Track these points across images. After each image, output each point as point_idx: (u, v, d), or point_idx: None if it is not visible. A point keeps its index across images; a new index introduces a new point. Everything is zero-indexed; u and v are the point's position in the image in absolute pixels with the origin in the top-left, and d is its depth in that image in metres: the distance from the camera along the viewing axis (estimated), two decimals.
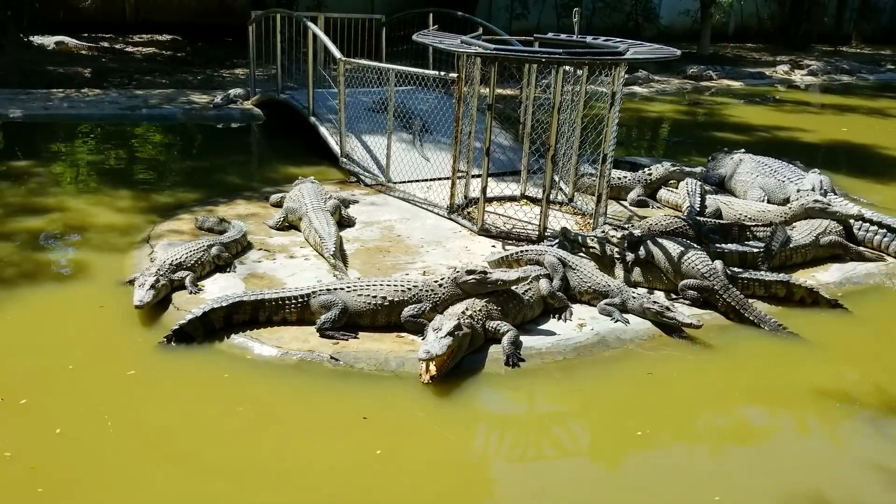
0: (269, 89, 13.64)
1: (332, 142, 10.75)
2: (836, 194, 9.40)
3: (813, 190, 9.05)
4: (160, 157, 11.61)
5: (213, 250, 6.92)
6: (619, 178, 9.82)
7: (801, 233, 7.94)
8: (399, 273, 7.08)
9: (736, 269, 7.09)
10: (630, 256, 7.07)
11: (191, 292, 6.43)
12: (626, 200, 9.75)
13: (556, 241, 7.40)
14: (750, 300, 6.70)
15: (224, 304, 5.88)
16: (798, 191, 9.10)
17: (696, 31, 27.25)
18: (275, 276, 6.94)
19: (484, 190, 8.08)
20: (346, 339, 5.84)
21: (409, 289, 6.11)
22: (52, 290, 6.70)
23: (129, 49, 20.06)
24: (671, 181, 9.85)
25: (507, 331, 5.86)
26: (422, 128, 10.86)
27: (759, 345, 6.29)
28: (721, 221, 8.42)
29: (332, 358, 5.61)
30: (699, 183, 9.40)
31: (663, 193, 9.80)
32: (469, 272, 6.14)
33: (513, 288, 6.24)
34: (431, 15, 13.53)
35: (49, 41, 18.80)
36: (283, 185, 9.48)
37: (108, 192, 9.43)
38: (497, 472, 4.87)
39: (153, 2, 22.67)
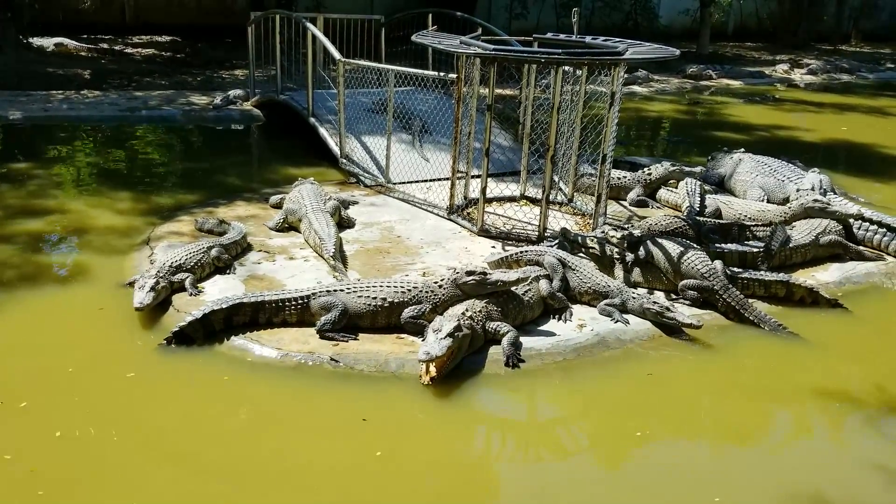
0: (269, 90, 13.64)
1: (332, 143, 10.75)
2: (835, 194, 9.40)
3: (812, 189, 9.05)
4: (160, 159, 11.61)
5: (213, 252, 6.92)
6: (619, 178, 9.82)
7: (801, 232, 7.94)
8: (399, 274, 7.09)
9: (736, 269, 7.09)
10: (630, 257, 7.07)
11: (191, 294, 6.43)
12: (625, 200, 9.75)
13: (556, 241, 7.39)
14: (750, 300, 6.70)
15: (224, 306, 5.88)
16: (798, 190, 9.10)
17: (696, 30, 27.24)
18: (275, 277, 6.94)
19: (483, 190, 8.08)
20: (346, 341, 5.84)
21: (409, 290, 6.11)
22: (52, 292, 6.70)
23: (129, 50, 20.07)
24: (671, 181, 9.85)
25: (507, 332, 5.86)
26: (421, 128, 10.86)
27: (759, 345, 6.29)
28: (721, 221, 8.42)
29: (332, 359, 5.61)
30: (699, 183, 9.40)
31: (663, 193, 9.80)
32: (469, 273, 6.14)
33: (513, 289, 6.24)
34: (431, 15, 13.53)
35: (48, 43, 18.81)
36: (283, 187, 9.48)
37: (107, 193, 9.43)
38: (497, 472, 4.87)
39: (152, 3, 22.68)
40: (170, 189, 9.85)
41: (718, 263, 6.84)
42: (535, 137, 8.82)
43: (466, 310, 5.85)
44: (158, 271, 6.38)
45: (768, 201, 9.45)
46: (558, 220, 8.39)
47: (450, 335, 5.38)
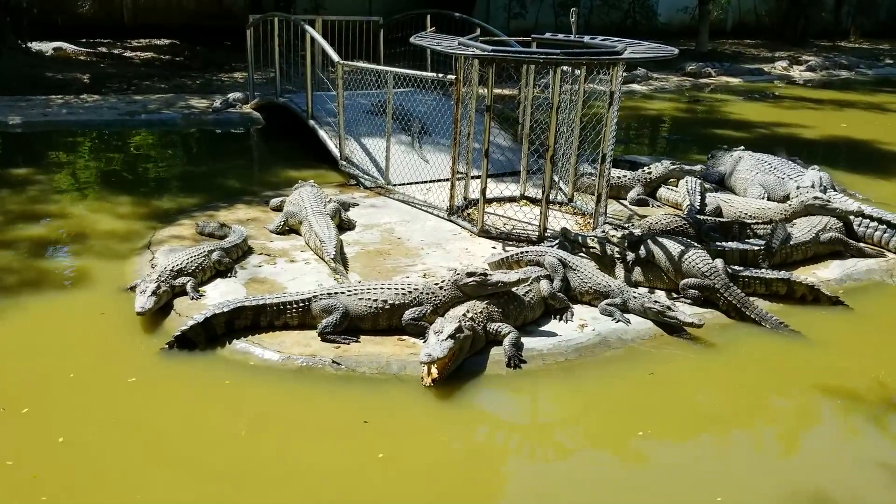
0: (268, 93, 13.65)
1: (332, 145, 10.75)
2: (835, 191, 9.40)
3: (812, 186, 9.05)
4: (160, 163, 11.61)
5: (214, 255, 6.93)
6: (619, 177, 9.82)
7: (802, 230, 7.93)
8: (399, 276, 7.09)
9: (737, 268, 7.09)
10: (630, 256, 7.07)
11: (192, 298, 6.43)
12: (626, 199, 9.75)
13: (557, 241, 7.40)
14: (751, 298, 6.69)
15: (226, 310, 5.88)
16: (798, 188, 9.10)
17: (695, 27, 27.25)
18: (276, 280, 6.94)
19: (483, 191, 8.08)
20: (348, 343, 5.85)
21: (410, 292, 6.11)
22: (53, 297, 6.71)
23: (128, 54, 20.08)
24: (671, 179, 9.85)
25: (509, 332, 5.86)
26: (420, 130, 10.86)
27: (760, 343, 6.29)
28: (721, 219, 8.42)
29: (333, 362, 5.61)
30: (699, 181, 9.40)
31: (663, 192, 9.80)
32: (469, 274, 6.15)
33: (513, 289, 6.24)
34: (429, 16, 13.53)
35: (47, 47, 18.82)
36: (283, 189, 9.49)
37: (108, 198, 9.44)
38: (499, 473, 4.87)
39: (151, 6, 22.69)
40: (170, 193, 9.85)
41: (719, 262, 6.84)
42: (535, 137, 8.83)
43: (467, 311, 5.85)
44: (160, 275, 6.38)
45: (768, 199, 9.44)
46: (558, 220, 8.39)
47: (451, 336, 5.38)
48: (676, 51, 7.97)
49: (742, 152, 10.51)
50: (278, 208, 8.64)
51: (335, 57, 10.28)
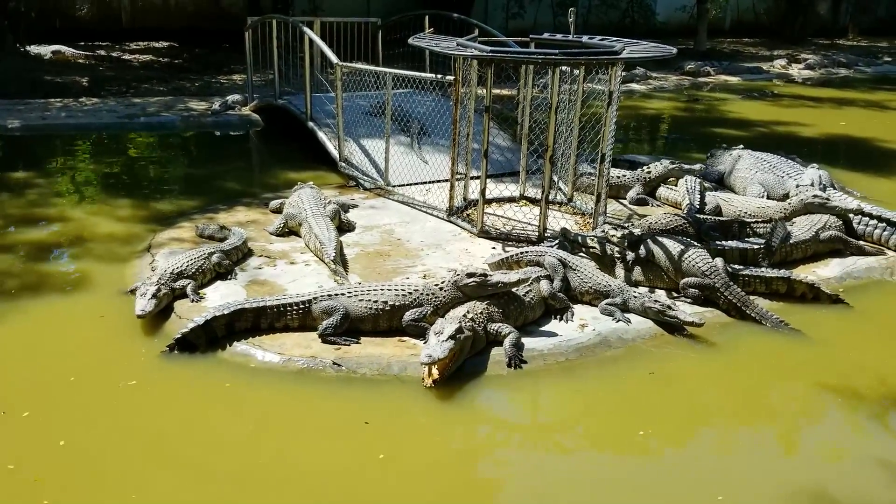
0: (267, 95, 13.65)
1: (331, 146, 10.76)
2: (834, 189, 9.40)
3: (812, 185, 9.05)
4: (159, 165, 11.62)
5: (214, 258, 6.93)
6: (619, 177, 9.82)
7: (801, 228, 7.93)
8: (399, 277, 7.09)
9: (736, 266, 7.09)
10: (630, 255, 7.07)
11: (192, 300, 6.44)
12: (625, 199, 9.75)
13: (556, 241, 7.40)
14: (751, 297, 6.69)
15: (226, 312, 5.88)
16: (797, 186, 9.10)
17: (693, 26, 27.25)
18: (276, 282, 6.94)
19: (483, 191, 8.08)
20: (349, 345, 5.85)
21: (410, 293, 6.11)
22: (53, 300, 6.70)
23: (126, 57, 20.09)
24: (670, 179, 9.86)
25: (509, 333, 5.86)
26: (420, 130, 10.86)
27: (760, 342, 6.29)
28: (721, 218, 8.41)
29: (334, 364, 5.62)
30: (698, 180, 9.40)
31: (663, 191, 9.80)
32: (469, 275, 6.15)
33: (514, 290, 6.24)
34: (427, 17, 13.54)
35: (46, 51, 18.84)
36: (283, 191, 9.49)
37: (108, 201, 9.44)
38: (500, 473, 4.87)
39: (149, 8, 22.69)
40: (170, 195, 9.86)
41: (719, 261, 6.84)
42: (534, 138, 8.83)
43: (468, 312, 5.85)
44: (160, 278, 6.39)
45: (768, 198, 9.44)
46: (558, 220, 8.39)
47: (451, 337, 5.38)
48: (675, 50, 7.97)
49: (741, 151, 10.51)
50: (278, 210, 8.64)
51: (334, 58, 10.29)
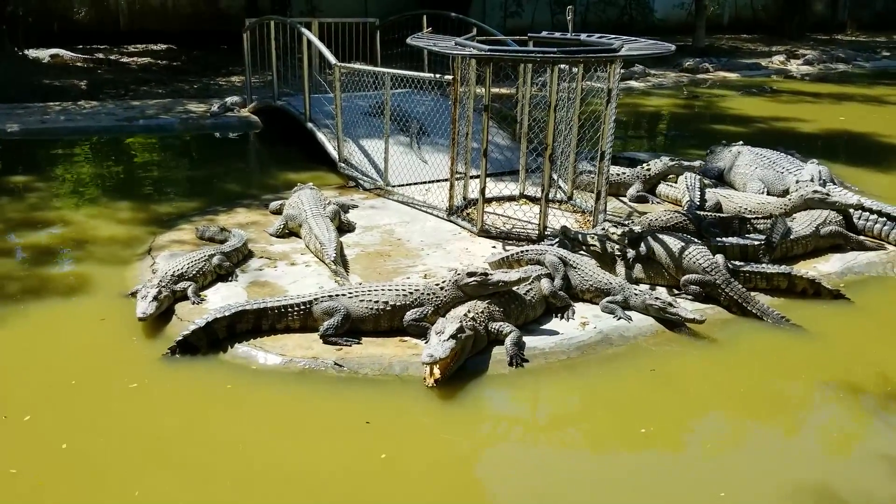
0: (266, 96, 13.66)
1: (330, 147, 10.76)
2: (834, 184, 9.40)
3: (812, 180, 9.05)
4: (159, 168, 11.62)
5: (215, 260, 6.93)
6: (618, 175, 9.81)
7: (802, 224, 7.93)
8: (400, 277, 7.09)
9: (737, 263, 7.08)
10: (631, 253, 7.06)
11: (193, 303, 6.44)
12: (625, 196, 9.75)
13: (557, 239, 7.40)
14: (752, 293, 6.69)
15: (227, 314, 5.88)
16: (797, 182, 9.10)
17: (691, 23, 27.25)
18: (277, 283, 6.94)
19: (482, 191, 8.08)
20: (350, 345, 5.85)
21: (411, 293, 6.11)
22: (55, 304, 6.70)
23: (125, 60, 20.10)
24: (670, 176, 9.86)
25: (510, 332, 5.86)
26: (419, 130, 10.86)
27: (762, 338, 6.29)
28: (721, 215, 8.42)
29: (336, 364, 5.62)
30: (698, 177, 9.40)
31: (662, 188, 9.80)
32: (470, 274, 6.15)
33: (514, 288, 6.24)
34: (425, 17, 13.53)
35: (44, 54, 18.84)
36: (283, 192, 9.49)
37: (108, 204, 9.44)
38: (503, 473, 4.86)
39: (147, 11, 22.69)
40: (170, 198, 9.86)
41: (720, 257, 6.84)
42: (533, 136, 8.83)
43: (468, 311, 5.85)
44: (161, 281, 6.39)
45: (768, 194, 9.44)
46: (558, 219, 8.39)
47: (452, 337, 5.38)
48: (673, 47, 7.98)
49: (741, 147, 10.51)
50: (278, 211, 8.64)
51: (332, 59, 10.29)
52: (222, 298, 6.53)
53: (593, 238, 7.24)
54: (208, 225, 8.11)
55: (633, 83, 20.29)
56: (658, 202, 9.64)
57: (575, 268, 6.78)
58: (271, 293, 6.62)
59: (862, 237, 8.15)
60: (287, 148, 12.16)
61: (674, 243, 6.94)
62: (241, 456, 4.76)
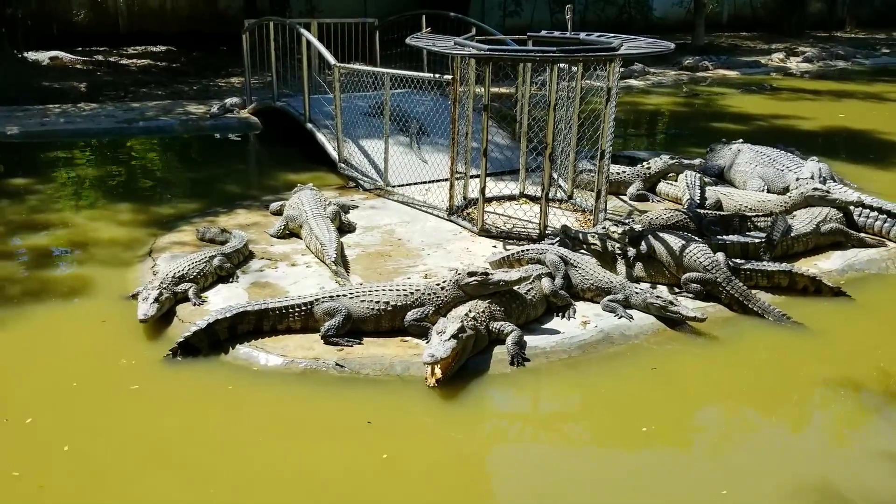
0: (265, 97, 13.66)
1: (330, 147, 10.76)
2: (834, 181, 9.39)
3: (812, 178, 9.05)
4: (159, 170, 11.63)
5: (216, 261, 6.93)
6: (618, 173, 9.81)
7: (802, 221, 7.93)
8: (401, 277, 7.09)
9: (738, 261, 7.08)
10: (632, 252, 7.06)
11: (194, 304, 6.43)
12: (625, 195, 9.74)
13: (557, 239, 7.39)
14: (753, 291, 6.69)
15: (228, 315, 5.88)
16: (797, 179, 9.09)
17: (690, 21, 27.23)
18: (277, 284, 6.94)
19: (483, 190, 8.08)
20: (351, 346, 5.85)
21: (412, 293, 6.11)
22: (56, 306, 6.70)
23: (124, 61, 20.09)
24: (670, 174, 9.85)
25: (511, 331, 5.86)
26: (419, 130, 10.86)
27: (763, 335, 6.29)
28: (721, 213, 8.42)
29: (337, 365, 5.62)
30: (698, 175, 9.40)
31: (663, 187, 9.80)
32: (470, 274, 6.14)
33: (515, 288, 6.24)
34: (424, 17, 13.53)
35: (43, 57, 18.84)
36: (283, 193, 9.49)
37: (108, 206, 9.45)
38: (505, 472, 4.87)
39: (146, 12, 22.69)
40: (170, 199, 9.86)
41: (720, 255, 6.83)
42: (533, 135, 8.82)
43: (469, 311, 5.85)
44: (161, 282, 6.39)
45: (768, 191, 9.44)
46: (559, 218, 8.39)
47: (454, 337, 5.38)
48: (672, 45, 7.97)
49: (741, 145, 10.51)
50: (278, 212, 8.64)
51: (331, 60, 10.29)
52: (223, 300, 6.53)
53: (594, 237, 7.23)
54: (209, 226, 8.11)
55: (633, 82, 20.28)
56: (658, 200, 9.64)
57: (576, 267, 6.78)
58: (272, 294, 6.62)
59: (862, 234, 8.15)
60: (287, 149, 12.16)
61: (674, 242, 6.94)
62: (243, 457, 4.76)
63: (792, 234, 7.70)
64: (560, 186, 9.27)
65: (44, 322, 6.43)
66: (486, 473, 4.86)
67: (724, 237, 7.69)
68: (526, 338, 5.92)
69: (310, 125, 11.31)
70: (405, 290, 6.11)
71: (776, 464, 4.77)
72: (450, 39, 8.58)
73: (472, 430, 5.16)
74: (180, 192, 10.32)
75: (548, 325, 6.26)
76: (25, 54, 18.39)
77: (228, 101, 14.50)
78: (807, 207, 8.25)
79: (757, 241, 7.58)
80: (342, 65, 10.29)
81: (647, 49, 7.87)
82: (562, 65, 8.17)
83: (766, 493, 4.52)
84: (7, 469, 4.57)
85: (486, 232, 8.17)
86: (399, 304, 6.04)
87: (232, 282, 6.94)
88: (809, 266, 7.40)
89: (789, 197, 8.55)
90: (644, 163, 9.99)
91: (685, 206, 8.57)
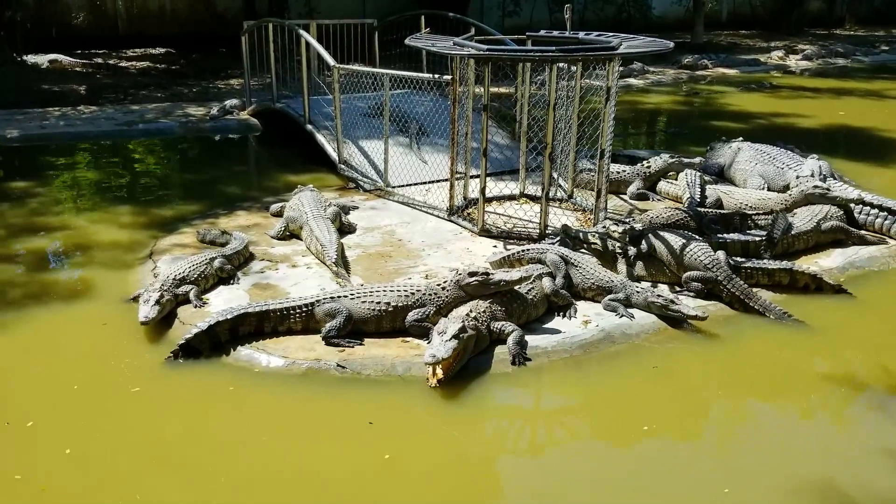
0: (265, 99, 13.66)
1: (330, 148, 10.76)
2: (834, 179, 9.39)
3: (812, 175, 9.05)
4: (159, 172, 11.63)
5: (216, 263, 6.93)
6: (618, 172, 9.81)
7: (803, 219, 7.93)
8: (401, 278, 7.09)
9: (739, 259, 7.08)
10: (632, 251, 7.06)
11: (195, 306, 6.43)
12: (625, 194, 9.75)
13: (558, 238, 7.39)
14: (754, 289, 6.69)
15: (229, 317, 5.88)
16: (797, 177, 9.09)
17: (690, 20, 27.25)
18: (278, 286, 6.94)
19: (483, 190, 8.08)
20: (352, 346, 5.85)
21: (413, 293, 6.11)
22: (57, 309, 6.70)
23: (123, 64, 20.10)
24: (670, 173, 9.85)
25: (512, 331, 5.86)
26: (418, 131, 10.86)
27: (764, 333, 6.29)
28: (722, 211, 8.42)
29: (338, 365, 5.62)
30: (698, 173, 9.40)
31: (663, 185, 9.80)
32: (471, 274, 6.14)
33: (516, 287, 6.24)
34: (423, 17, 13.53)
35: (43, 59, 18.86)
36: (283, 194, 9.49)
37: (109, 208, 9.45)
38: (506, 472, 4.87)
39: (145, 15, 22.70)
40: (171, 201, 9.86)
41: (721, 254, 6.83)
42: (533, 135, 8.83)
43: (470, 311, 5.84)
44: (162, 284, 6.39)
45: (768, 189, 9.44)
46: (559, 217, 8.39)
47: (455, 337, 5.38)
48: (672, 44, 7.97)
49: (741, 143, 10.50)
50: (278, 214, 8.64)
51: (331, 61, 10.29)
52: (224, 301, 6.53)
53: (594, 236, 7.23)
54: (209, 228, 8.11)
55: (632, 80, 20.28)
56: (658, 199, 9.64)
57: (576, 266, 6.78)
58: (273, 295, 6.62)
59: (863, 232, 8.15)
60: (287, 150, 12.16)
61: (675, 240, 6.94)
62: (245, 458, 4.77)
63: (792, 232, 7.70)
64: (560, 186, 9.27)
65: (45, 325, 6.43)
66: (488, 473, 4.86)
67: (725, 235, 7.69)
68: (527, 337, 5.92)
69: (309, 126, 11.31)
70: (406, 291, 6.11)
71: (778, 462, 4.77)
72: (449, 40, 8.59)
73: (473, 430, 5.16)
74: (180, 194, 10.33)
75: (549, 325, 6.26)
76: (25, 57, 18.40)
77: (228, 102, 14.50)
78: (807, 205, 8.25)
79: (757, 239, 7.58)
80: (341, 66, 10.29)
81: (647, 48, 7.87)
82: (561, 64, 8.18)
83: (768, 491, 4.51)
84: (9, 472, 4.57)
85: (486, 232, 8.17)
86: (400, 304, 6.04)
87: (233, 283, 6.95)
88: (810, 264, 7.39)
89: (790, 195, 8.55)
90: (644, 162, 9.99)
91: (685, 205, 8.57)
